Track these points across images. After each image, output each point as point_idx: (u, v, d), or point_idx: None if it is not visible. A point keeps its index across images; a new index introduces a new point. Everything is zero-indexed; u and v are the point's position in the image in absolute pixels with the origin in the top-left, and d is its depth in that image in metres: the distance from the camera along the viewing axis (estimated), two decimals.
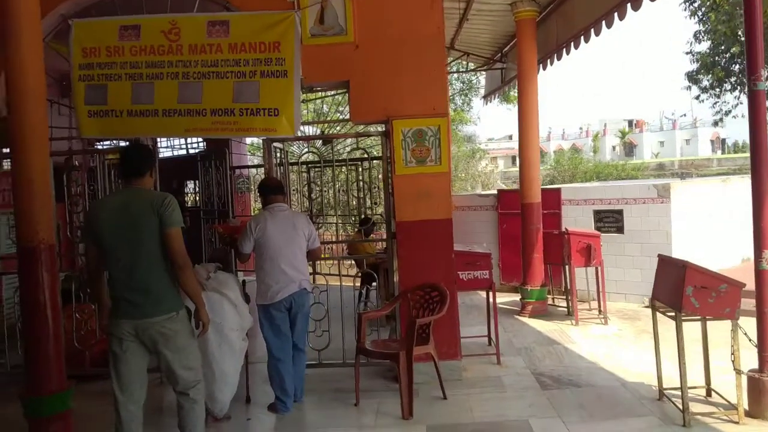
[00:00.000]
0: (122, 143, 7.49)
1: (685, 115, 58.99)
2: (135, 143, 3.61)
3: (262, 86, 4.86)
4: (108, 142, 8.01)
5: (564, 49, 6.80)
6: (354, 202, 6.40)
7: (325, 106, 14.57)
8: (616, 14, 5.62)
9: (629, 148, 60.02)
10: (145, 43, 4.93)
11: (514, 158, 59.36)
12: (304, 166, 8.71)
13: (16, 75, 3.85)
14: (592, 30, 6.02)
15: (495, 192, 9.00)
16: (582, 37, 6.25)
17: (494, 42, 9.18)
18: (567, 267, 6.90)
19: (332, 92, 7.59)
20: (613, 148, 60.43)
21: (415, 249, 4.82)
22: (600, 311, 6.82)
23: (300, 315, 4.38)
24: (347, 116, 5.49)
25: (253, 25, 4.89)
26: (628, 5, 5.40)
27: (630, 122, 65.16)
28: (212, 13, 4.97)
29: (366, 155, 5.59)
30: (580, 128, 64.75)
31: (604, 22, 5.68)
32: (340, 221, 8.96)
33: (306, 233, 4.42)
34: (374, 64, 4.90)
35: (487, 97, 11.20)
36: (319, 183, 7.58)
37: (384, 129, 5.04)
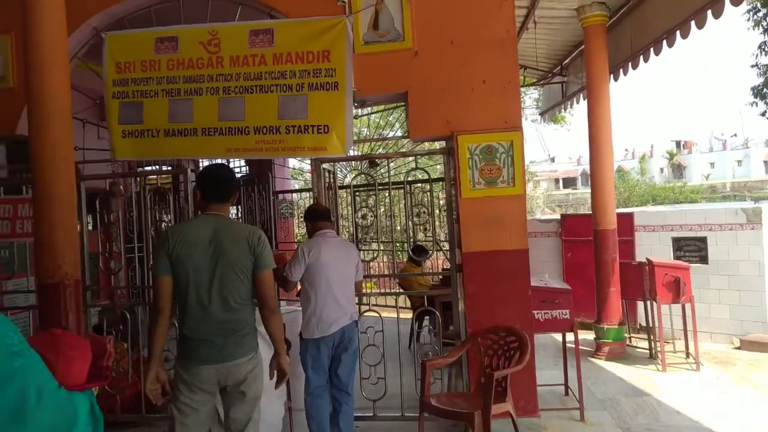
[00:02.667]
0: (164, 167, 7.13)
1: (735, 135, 56.84)
2: (218, 163, 3.15)
3: (310, 100, 4.35)
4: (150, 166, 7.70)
5: (641, 56, 6.09)
6: (411, 230, 5.71)
7: (367, 126, 14.10)
8: (693, 22, 4.99)
9: (678, 170, 57.96)
10: (182, 56, 4.50)
11: (557, 181, 58.05)
12: (350, 189, 8.19)
13: (39, 91, 3.44)
14: (678, 33, 5.31)
15: (557, 217, 8.26)
16: (665, 41, 5.54)
17: (553, 54, 8.52)
18: (649, 303, 6.11)
19: (387, 106, 6.98)
20: (661, 170, 58.44)
21: (485, 284, 4.16)
22: (688, 354, 5.99)
23: (348, 352, 3.91)
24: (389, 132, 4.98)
25: (300, 33, 4.40)
26: (708, 12, 4.76)
27: (678, 143, 63.10)
28: (255, 21, 4.49)
29: (426, 175, 4.92)
30: (626, 150, 62.98)
31: (693, 22, 4.99)
32: (388, 248, 8.38)
33: (355, 263, 4.03)
34: (436, 72, 4.32)
35: (544, 114, 10.51)
36: (369, 207, 6.99)
37: (446, 146, 4.43)
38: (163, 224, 7.22)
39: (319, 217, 4.04)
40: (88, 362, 1.68)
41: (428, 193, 4.96)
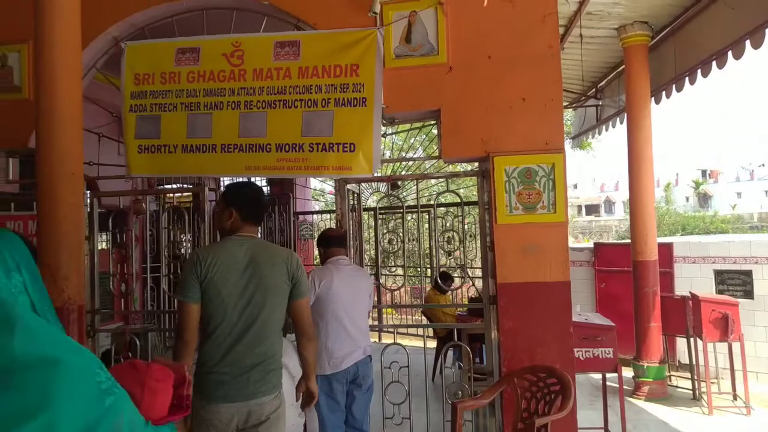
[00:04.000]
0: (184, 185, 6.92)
1: (763, 165, 55.71)
2: (246, 181, 3.11)
3: (336, 117, 4.08)
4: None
5: (687, 78, 5.75)
6: (436, 256, 5.36)
7: (390, 149, 13.88)
8: (747, 41, 4.65)
9: (704, 200, 56.87)
10: (204, 68, 4.27)
11: (580, 208, 57.25)
12: (371, 212, 7.91)
13: (49, 100, 3.23)
14: (730, 53, 4.98)
15: (590, 245, 7.87)
16: (714, 62, 5.20)
17: (588, 76, 8.20)
18: (692, 340, 5.69)
19: (412, 126, 6.69)
20: (687, 199, 57.41)
21: (522, 319, 3.81)
22: (735, 396, 5.55)
23: (363, 388, 3.68)
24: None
25: (328, 46, 4.14)
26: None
27: (704, 172, 62.04)
28: (281, 32, 4.26)
29: (458, 198, 4.60)
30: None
31: (748, 41, 4.66)
32: (414, 274, 8.07)
33: (369, 292, 3.85)
34: (471, 89, 4.03)
35: (575, 138, 10.17)
36: (394, 231, 6.68)
37: (479, 167, 4.13)
38: (184, 246, 7.00)
39: (333, 243, 3.85)
40: (171, 393, 1.58)
41: (459, 218, 4.61)
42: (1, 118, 4.45)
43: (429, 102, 4.12)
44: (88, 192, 4.47)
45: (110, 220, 4.67)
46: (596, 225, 33.81)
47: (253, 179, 9.26)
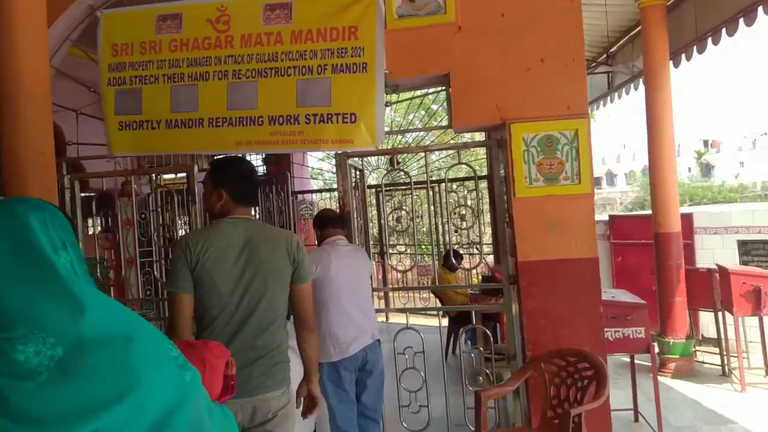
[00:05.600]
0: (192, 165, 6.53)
1: (766, 134, 55.24)
2: (238, 157, 2.69)
3: (334, 84, 3.70)
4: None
5: (710, 38, 5.34)
6: (448, 233, 4.97)
7: (393, 122, 13.46)
8: None
9: (706, 169, 56.44)
10: (187, 36, 3.88)
11: None
12: (376, 189, 7.56)
13: (10, 70, 2.83)
14: (760, 8, 4.57)
15: (605, 218, 7.53)
16: (742, 19, 4.80)
17: (598, 42, 7.80)
18: (720, 314, 5.37)
19: (414, 95, 6.23)
20: (689, 169, 56.99)
21: (546, 299, 3.47)
22: None
23: (373, 375, 3.45)
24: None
25: (323, 7, 3.75)
26: None
27: (705, 142, 61.51)
28: None
29: (471, 171, 4.24)
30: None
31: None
32: (423, 253, 7.75)
33: (370, 271, 3.64)
34: (483, 50, 3.65)
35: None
36: (401, 208, 6.30)
37: (486, 137, 3.77)
38: (178, 230, 6.67)
39: (329, 224, 3.61)
40: (223, 372, 1.50)
41: (471, 192, 4.25)
42: None
43: (437, 66, 3.74)
44: (68, 175, 4.13)
45: (93, 204, 4.31)
46: (599, 198, 33.43)
47: (246, 155, 8.94)
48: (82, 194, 6.02)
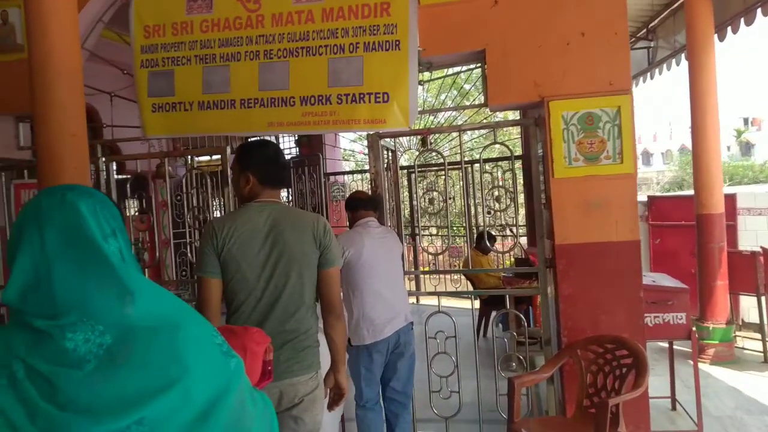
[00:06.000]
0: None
1: None
2: (263, 139, 2.62)
3: (366, 63, 3.62)
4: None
5: (759, 9, 5.07)
6: (483, 215, 4.86)
7: (425, 102, 13.28)
8: None
9: (746, 148, 54.62)
10: (217, 16, 3.84)
11: None
12: (408, 170, 7.47)
13: (42, 53, 2.84)
14: None
15: (643, 198, 7.32)
16: None
17: (637, 16, 7.51)
18: (764, 299, 5.19)
19: (446, 72, 6.06)
20: (728, 147, 55.21)
21: (584, 283, 3.37)
22: None
23: (405, 357, 3.42)
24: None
25: None
26: None
27: (745, 120, 59.44)
28: None
29: (506, 151, 4.14)
30: (689, 127, 59.65)
31: None
32: (455, 235, 7.66)
33: (401, 254, 3.68)
34: (521, 25, 3.52)
35: None
36: (433, 189, 6.22)
37: (521, 115, 3.65)
38: (211, 212, 6.72)
39: (360, 206, 3.57)
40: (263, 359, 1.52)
41: (508, 171, 4.15)
42: (6, 81, 4.09)
43: (472, 42, 3.63)
44: (102, 158, 4.16)
45: (128, 186, 4.35)
46: None
47: (281, 140, 8.92)
48: (119, 177, 6.10)
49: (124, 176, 6.32)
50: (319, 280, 2.32)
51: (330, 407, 2.50)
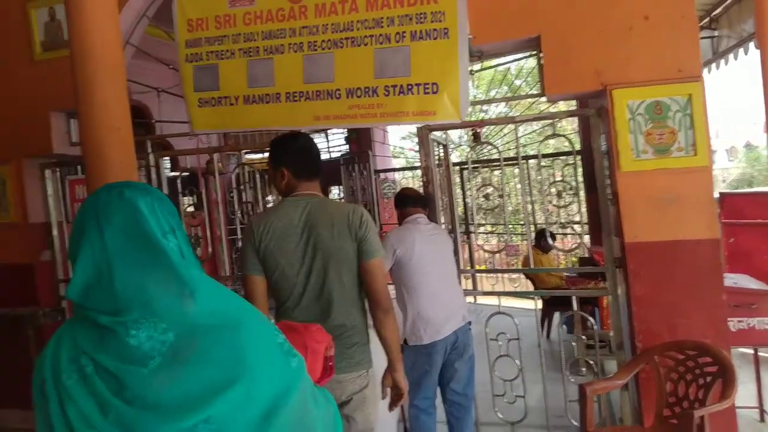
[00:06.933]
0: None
1: None
2: (293, 132, 2.69)
3: (413, 53, 3.44)
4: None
5: None
6: (546, 212, 4.56)
7: (478, 91, 12.96)
8: None
9: None
10: (260, 8, 3.74)
11: None
12: (460, 167, 7.22)
13: (83, 45, 2.76)
14: None
15: (715, 195, 6.84)
16: None
17: (700, 5, 7.03)
18: None
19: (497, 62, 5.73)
20: None
21: (660, 284, 3.09)
22: None
23: (464, 358, 3.26)
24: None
25: None
26: None
27: None
28: None
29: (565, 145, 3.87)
30: (754, 123, 56.75)
31: None
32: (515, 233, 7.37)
33: (453, 251, 3.50)
34: (579, 9, 3.27)
35: None
36: (484, 184, 5.96)
37: (578, 105, 3.39)
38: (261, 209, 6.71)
39: (410, 202, 3.43)
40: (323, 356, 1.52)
41: (569, 166, 3.89)
42: (56, 77, 4.08)
43: (526, 28, 3.40)
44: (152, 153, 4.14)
45: (179, 182, 4.33)
46: None
47: (330, 138, 8.82)
48: (172, 173, 6.12)
49: (178, 173, 6.36)
50: (361, 273, 2.23)
51: (391, 407, 2.42)
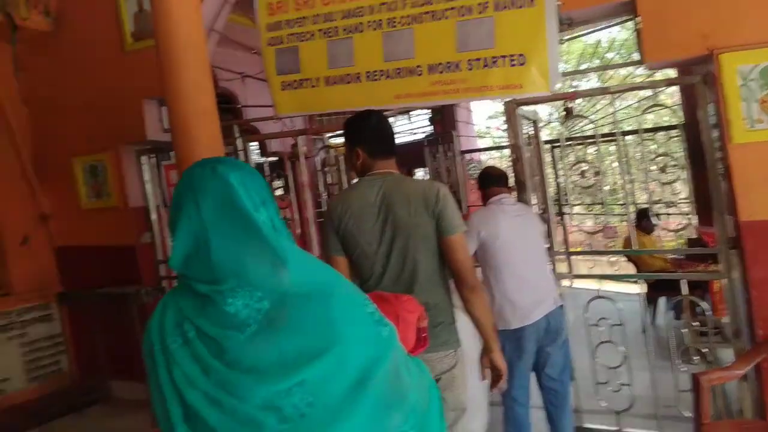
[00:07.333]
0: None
1: None
2: (362, 111, 2.51)
3: (497, 23, 3.26)
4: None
5: None
6: (647, 191, 4.23)
7: (567, 66, 12.38)
8: None
9: None
10: None
11: None
12: (553, 144, 6.88)
13: (167, 28, 2.80)
14: None
15: None
16: None
17: None
18: None
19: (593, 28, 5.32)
20: None
21: None
22: None
23: (557, 343, 3.11)
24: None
25: None
26: None
27: None
28: None
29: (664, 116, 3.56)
30: None
31: None
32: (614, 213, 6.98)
33: (541, 231, 3.36)
34: None
35: None
36: (580, 160, 5.67)
37: (677, 72, 3.08)
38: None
39: (493, 182, 3.29)
40: (416, 326, 1.55)
41: (674, 139, 3.59)
42: (147, 66, 4.23)
43: None
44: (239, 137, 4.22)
45: (266, 166, 4.41)
46: None
47: (413, 119, 8.70)
48: (262, 158, 6.25)
49: (265, 158, 6.50)
50: (442, 250, 2.18)
51: (491, 388, 2.40)
